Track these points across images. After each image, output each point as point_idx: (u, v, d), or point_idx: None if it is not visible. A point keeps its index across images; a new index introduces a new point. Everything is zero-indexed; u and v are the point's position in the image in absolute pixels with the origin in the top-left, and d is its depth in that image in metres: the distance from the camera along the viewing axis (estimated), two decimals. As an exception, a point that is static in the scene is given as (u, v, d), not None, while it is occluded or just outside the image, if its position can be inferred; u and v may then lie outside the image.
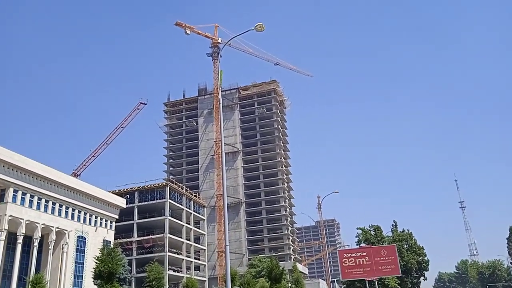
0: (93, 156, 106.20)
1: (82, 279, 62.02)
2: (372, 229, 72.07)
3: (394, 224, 78.14)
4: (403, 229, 77.32)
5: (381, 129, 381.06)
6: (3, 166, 51.30)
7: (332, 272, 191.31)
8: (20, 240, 52.88)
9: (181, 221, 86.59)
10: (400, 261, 59.01)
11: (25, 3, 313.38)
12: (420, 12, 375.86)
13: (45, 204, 57.70)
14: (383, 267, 46.13)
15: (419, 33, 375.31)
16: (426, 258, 75.12)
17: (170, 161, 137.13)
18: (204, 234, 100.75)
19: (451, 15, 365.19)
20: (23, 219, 53.19)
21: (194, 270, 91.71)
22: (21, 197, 53.85)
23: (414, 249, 73.26)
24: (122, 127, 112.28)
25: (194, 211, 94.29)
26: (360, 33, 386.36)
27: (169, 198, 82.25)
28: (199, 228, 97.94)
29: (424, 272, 75.31)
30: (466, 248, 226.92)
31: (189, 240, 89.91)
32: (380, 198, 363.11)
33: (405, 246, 72.91)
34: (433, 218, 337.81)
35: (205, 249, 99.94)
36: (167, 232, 79.60)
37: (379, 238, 69.82)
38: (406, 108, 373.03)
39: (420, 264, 73.31)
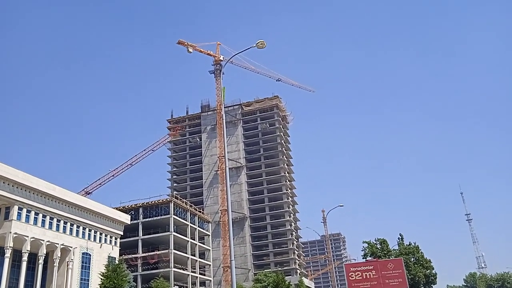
0: (112, 176, 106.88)
1: (87, 296, 61.63)
2: (378, 242, 71.42)
3: (400, 237, 77.33)
4: (410, 242, 76.49)
5: (385, 142, 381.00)
6: (8, 184, 51.50)
7: (339, 286, 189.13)
8: (25, 257, 52.74)
9: (186, 237, 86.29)
10: (408, 274, 58.36)
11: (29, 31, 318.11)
12: (423, 22, 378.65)
13: (49, 221, 57.67)
14: (390, 281, 45.61)
15: (423, 45, 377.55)
16: (433, 271, 74.14)
17: (174, 177, 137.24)
18: (209, 250, 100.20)
19: (458, 20, 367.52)
20: (28, 236, 53.14)
21: (200, 285, 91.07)
22: (26, 215, 53.86)
23: (422, 262, 72.36)
24: (152, 150, 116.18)
25: (198, 226, 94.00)
26: (361, 47, 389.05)
27: (174, 214, 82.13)
28: (204, 244, 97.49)
29: (432, 285, 74.27)
30: (474, 261, 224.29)
31: (194, 256, 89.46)
32: (386, 212, 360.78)
33: (412, 259, 72.06)
34: (440, 231, 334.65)
35: (210, 265, 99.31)
36: (172, 248, 79.30)
37: (385, 252, 69.15)
38: (410, 120, 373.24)
39: (428, 277, 72.33)
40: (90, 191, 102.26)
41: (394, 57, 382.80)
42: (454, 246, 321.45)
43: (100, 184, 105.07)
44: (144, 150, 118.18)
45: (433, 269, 74.39)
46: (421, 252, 74.52)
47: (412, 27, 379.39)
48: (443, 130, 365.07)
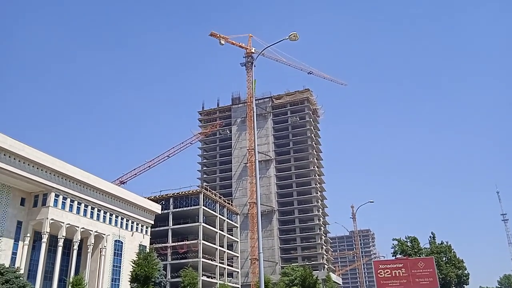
0: (148, 167, 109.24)
1: (119, 282, 63.53)
2: (408, 240, 70.23)
3: (432, 235, 75.72)
4: (442, 241, 74.88)
5: (419, 137, 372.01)
6: (46, 172, 53.46)
7: (367, 283, 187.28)
8: (60, 243, 54.76)
9: (215, 228, 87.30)
10: (439, 274, 57.13)
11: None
12: (464, 13, 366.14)
13: (84, 209, 59.61)
14: (420, 280, 44.69)
15: (463, 39, 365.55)
16: (466, 272, 72.40)
17: (204, 168, 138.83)
18: (237, 241, 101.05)
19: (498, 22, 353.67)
20: (63, 222, 55.10)
21: (227, 276, 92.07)
22: (62, 202, 55.81)
23: (454, 262, 70.73)
24: (191, 143, 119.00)
25: (227, 218, 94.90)
26: (396, 42, 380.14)
27: (203, 205, 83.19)
28: (232, 235, 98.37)
29: (464, 285, 72.60)
30: (509, 263, 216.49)
31: (222, 247, 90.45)
32: (417, 209, 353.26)
33: (444, 259, 70.54)
34: (474, 231, 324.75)
35: (238, 256, 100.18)
36: (201, 238, 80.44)
37: (416, 250, 67.93)
38: (444, 117, 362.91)
39: (460, 278, 70.68)
40: (124, 181, 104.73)
41: (431, 51, 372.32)
42: (489, 247, 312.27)
43: (135, 174, 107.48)
44: (182, 143, 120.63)
45: (465, 269, 72.64)
46: (454, 252, 72.82)
47: (451, 20, 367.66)
48: (480, 126, 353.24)
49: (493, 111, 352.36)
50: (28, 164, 51.07)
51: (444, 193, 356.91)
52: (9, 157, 48.73)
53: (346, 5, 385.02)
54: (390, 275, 45.44)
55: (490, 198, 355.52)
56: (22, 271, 45.10)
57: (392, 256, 68.29)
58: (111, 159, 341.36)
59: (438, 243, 73.78)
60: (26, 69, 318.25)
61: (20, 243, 51.76)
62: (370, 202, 66.44)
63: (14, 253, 50.64)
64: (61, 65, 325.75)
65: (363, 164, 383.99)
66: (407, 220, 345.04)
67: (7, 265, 42.00)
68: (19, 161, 49.87)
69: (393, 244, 70.35)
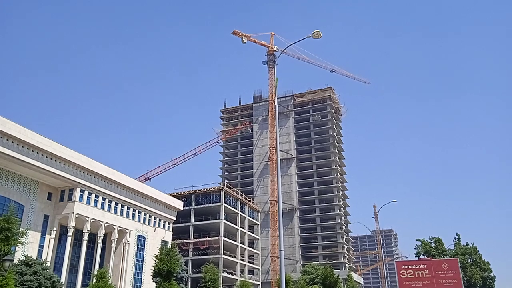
0: (174, 164, 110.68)
1: (141, 276, 64.67)
2: (432, 241, 68.95)
3: (457, 237, 74.11)
4: (467, 242, 73.19)
5: (442, 137, 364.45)
6: (72, 167, 54.77)
7: (389, 283, 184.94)
8: (85, 237, 56.09)
9: (236, 225, 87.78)
10: (463, 276, 55.98)
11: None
12: (487, 17, 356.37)
13: (108, 204, 60.84)
14: (444, 281, 43.89)
15: (490, 34, 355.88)
16: (492, 274, 70.58)
17: (225, 166, 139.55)
18: (258, 239, 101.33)
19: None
20: (88, 217, 56.38)
21: (248, 273, 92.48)
22: (87, 197, 57.11)
23: (479, 264, 69.04)
24: (217, 143, 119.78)
25: (248, 215, 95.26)
26: (421, 41, 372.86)
27: (225, 202, 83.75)
28: (253, 233, 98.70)
29: (489, 288, 70.75)
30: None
31: (243, 244, 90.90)
32: (442, 210, 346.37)
33: (469, 261, 68.93)
34: (501, 233, 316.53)
35: (258, 254, 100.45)
36: (222, 235, 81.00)
37: (440, 251, 66.65)
38: (470, 116, 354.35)
39: (485, 280, 68.97)
40: (149, 177, 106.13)
41: (457, 49, 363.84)
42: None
43: (160, 171, 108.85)
44: (209, 141, 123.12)
45: (491, 271, 70.84)
46: (479, 254, 71.07)
47: (480, 16, 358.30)
48: (507, 124, 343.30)
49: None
50: (55, 160, 52.39)
51: (471, 193, 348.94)
52: (37, 153, 50.11)
53: (370, 2, 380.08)
54: (412, 276, 44.79)
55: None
56: (48, 264, 46.38)
57: (415, 256, 67.21)
58: (134, 156, 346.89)
59: (463, 245, 72.16)
60: (53, 64, 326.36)
61: (47, 237, 53.24)
62: (393, 202, 65.60)
63: (41, 246, 52.15)
64: (87, 61, 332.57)
65: (386, 163, 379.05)
66: (431, 220, 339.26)
67: (34, 257, 43.29)
68: (46, 157, 51.22)
69: (416, 244, 69.22)
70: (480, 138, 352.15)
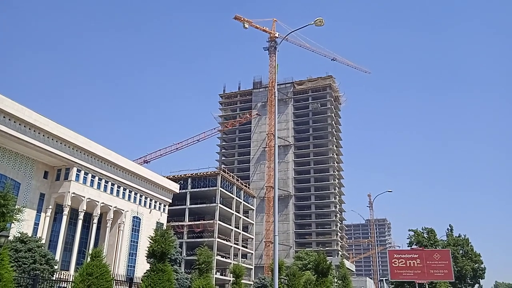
0: (176, 149, 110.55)
1: (135, 257, 65.20)
2: (425, 231, 69.41)
3: (449, 228, 74.57)
4: (459, 234, 73.82)
5: (438, 128, 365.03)
6: (69, 147, 54.66)
7: (380, 271, 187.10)
8: (81, 216, 56.30)
9: (231, 209, 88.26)
10: (454, 266, 56.55)
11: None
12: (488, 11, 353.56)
13: (104, 184, 60.92)
14: (435, 271, 44.41)
15: (493, 25, 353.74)
16: (482, 266, 71.24)
17: (222, 151, 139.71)
18: (253, 224, 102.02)
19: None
20: (84, 197, 56.52)
21: (241, 257, 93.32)
22: (84, 177, 57.13)
23: (470, 255, 69.69)
24: (220, 131, 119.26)
25: (243, 200, 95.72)
26: (423, 31, 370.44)
27: (221, 186, 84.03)
28: (247, 217, 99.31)
29: (480, 279, 71.59)
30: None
31: (238, 228, 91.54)
32: (436, 201, 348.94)
33: (460, 252, 69.56)
34: (492, 225, 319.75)
35: (253, 238, 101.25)
36: (217, 219, 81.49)
37: (432, 242, 67.14)
38: (467, 107, 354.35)
39: (476, 271, 69.71)
40: (148, 160, 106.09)
41: (457, 40, 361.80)
42: (507, 242, 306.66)
43: (160, 155, 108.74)
44: (214, 128, 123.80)
45: (482, 263, 71.51)
46: (471, 245, 71.72)
47: (479, 8, 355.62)
48: (502, 117, 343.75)
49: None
50: (52, 139, 52.26)
51: (464, 185, 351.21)
52: (34, 131, 49.93)
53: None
54: (404, 265, 45.28)
55: (509, 193, 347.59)
56: (43, 241, 46.62)
57: (408, 246, 67.72)
58: (133, 138, 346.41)
59: (456, 236, 72.80)
60: (56, 48, 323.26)
61: (42, 215, 53.43)
62: (389, 191, 65.90)
63: (36, 224, 52.36)
64: (90, 45, 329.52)
65: (383, 154, 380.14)
66: (424, 211, 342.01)
67: (29, 234, 43.44)
68: (43, 135, 51.07)
69: (409, 234, 69.54)
70: (477, 130, 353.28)
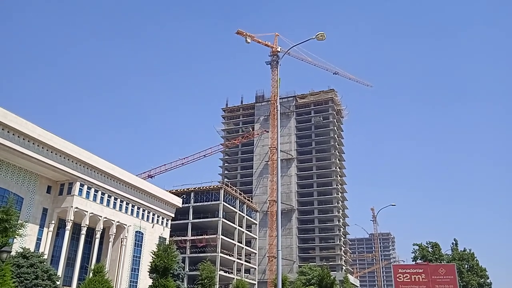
0: (182, 164, 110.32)
1: (138, 272, 64.69)
2: (429, 246, 69.03)
3: (454, 242, 74.14)
4: (464, 248, 73.23)
5: (442, 141, 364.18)
6: (72, 161, 54.76)
7: (385, 287, 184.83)
8: (83, 231, 56.08)
9: (234, 224, 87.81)
10: (460, 281, 56.00)
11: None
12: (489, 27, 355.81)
13: (107, 199, 60.82)
14: (440, 286, 43.79)
15: (494, 39, 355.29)
16: (488, 281, 70.58)
17: (225, 164, 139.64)
18: (256, 238, 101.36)
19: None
20: (87, 211, 56.39)
21: (244, 272, 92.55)
22: (87, 191, 57.09)
23: (476, 270, 69.06)
24: (225, 146, 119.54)
25: (246, 214, 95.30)
26: (424, 45, 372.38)
27: (223, 201, 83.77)
28: (250, 232, 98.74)
29: (486, 295, 70.75)
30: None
31: (241, 243, 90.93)
32: (440, 215, 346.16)
33: (466, 266, 68.96)
34: (498, 239, 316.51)
35: (256, 253, 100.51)
36: (220, 233, 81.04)
37: (437, 256, 66.74)
38: (471, 121, 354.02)
39: (482, 286, 68.97)
40: (152, 175, 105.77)
41: (459, 54, 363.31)
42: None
43: (166, 169, 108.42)
44: (220, 144, 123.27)
45: (487, 278, 70.84)
46: (476, 260, 71.08)
47: (482, 22, 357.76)
48: (507, 130, 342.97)
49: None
50: (56, 154, 52.39)
51: (470, 199, 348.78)
52: (38, 145, 50.10)
53: (374, 6, 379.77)
54: (409, 280, 44.72)
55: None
56: (46, 256, 46.42)
57: (412, 261, 67.23)
58: (136, 152, 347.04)
59: (461, 250, 72.20)
60: (53, 60, 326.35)
61: (45, 230, 53.25)
62: (392, 205, 65.56)
63: (38, 239, 52.15)
64: (89, 58, 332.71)
65: (386, 167, 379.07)
66: (429, 225, 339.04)
67: (32, 250, 43.35)
68: (47, 150, 51.22)
69: (413, 249, 69.26)
70: (481, 143, 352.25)
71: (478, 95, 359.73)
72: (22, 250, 38.37)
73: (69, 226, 54.05)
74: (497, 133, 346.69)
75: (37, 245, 51.32)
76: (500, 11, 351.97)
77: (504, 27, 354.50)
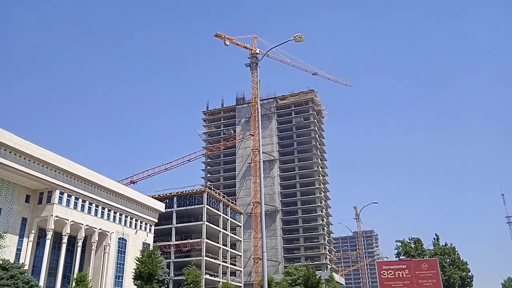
0: (165, 169, 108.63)
1: (122, 279, 63.86)
2: (412, 241, 70.12)
3: (436, 237, 75.50)
4: (446, 243, 74.64)
5: (423, 139, 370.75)
6: (51, 169, 53.81)
7: (370, 283, 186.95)
8: (65, 239, 55.12)
9: (218, 227, 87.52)
10: (442, 275, 57.03)
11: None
12: (467, 29, 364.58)
13: (88, 206, 59.93)
14: (423, 281, 44.66)
15: (466, 43, 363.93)
16: (470, 274, 72.04)
17: (208, 167, 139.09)
18: (240, 241, 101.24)
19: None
20: (68, 220, 55.44)
21: (230, 275, 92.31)
22: (67, 199, 56.17)
23: (457, 264, 70.43)
24: (212, 150, 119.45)
25: (230, 217, 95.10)
26: (401, 44, 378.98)
27: (207, 204, 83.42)
28: (235, 234, 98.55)
29: (468, 288, 72.24)
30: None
31: (226, 246, 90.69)
32: (422, 211, 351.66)
33: (448, 261, 70.28)
34: (478, 233, 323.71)
35: (241, 255, 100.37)
36: (204, 237, 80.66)
37: (419, 251, 67.82)
38: (449, 118, 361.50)
39: (464, 280, 70.36)
40: (135, 181, 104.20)
41: (435, 52, 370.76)
42: (493, 249, 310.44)
43: (148, 175, 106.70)
44: (203, 147, 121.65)
45: (469, 271, 72.32)
46: (457, 254, 72.51)
47: (456, 19, 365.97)
48: (484, 128, 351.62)
49: (497, 112, 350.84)
50: (34, 162, 51.42)
51: (449, 195, 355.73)
52: (15, 154, 49.10)
53: (351, 6, 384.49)
54: (393, 276, 45.42)
55: (495, 201, 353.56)
56: (26, 267, 45.41)
57: (396, 257, 68.20)
58: (116, 158, 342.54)
59: (442, 245, 73.56)
60: (31, 67, 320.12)
61: (25, 240, 52.15)
62: (374, 203, 66.39)
63: (18, 249, 51.05)
64: (67, 64, 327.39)
65: (367, 165, 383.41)
66: (411, 221, 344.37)
67: (12, 261, 42.34)
68: (24, 158, 50.23)
69: (396, 245, 70.26)
70: (461, 140, 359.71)
71: (458, 92, 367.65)
72: (1, 262, 37.43)
73: (49, 235, 53.08)
74: (478, 129, 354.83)
75: (17, 255, 50.24)
76: (470, 10, 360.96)
77: (477, 24, 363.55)
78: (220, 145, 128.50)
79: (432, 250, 71.84)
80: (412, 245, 68.80)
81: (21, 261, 48.30)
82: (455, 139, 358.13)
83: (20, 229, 52.00)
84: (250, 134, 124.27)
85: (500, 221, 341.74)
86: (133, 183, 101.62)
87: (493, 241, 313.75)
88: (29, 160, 50.79)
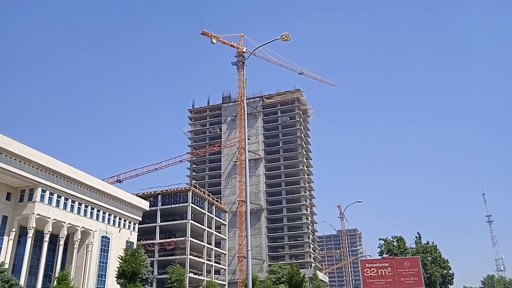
0: (155, 169, 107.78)
1: (105, 278, 63.18)
2: (395, 240, 70.90)
3: (418, 236, 76.52)
4: (428, 241, 75.75)
5: (406, 139, 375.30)
6: (32, 166, 52.91)
7: (353, 282, 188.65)
8: (46, 238, 54.30)
9: (203, 225, 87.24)
10: (424, 273, 57.78)
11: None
12: (453, 28, 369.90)
13: (71, 204, 59.13)
14: (406, 279, 45.23)
15: (452, 43, 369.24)
16: (451, 272, 73.30)
17: (193, 166, 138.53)
18: (225, 239, 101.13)
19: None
20: (50, 218, 54.62)
21: (214, 273, 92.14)
22: (49, 197, 55.31)
23: (439, 262, 71.58)
24: (205, 151, 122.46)
25: (215, 216, 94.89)
26: (386, 44, 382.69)
27: (192, 203, 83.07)
28: (220, 233, 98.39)
29: (449, 285, 73.49)
30: (493, 263, 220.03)
31: (210, 244, 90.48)
32: (404, 210, 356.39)
33: (429, 259, 71.37)
34: (459, 232, 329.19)
35: (225, 254, 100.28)
36: (189, 236, 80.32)
37: (402, 250, 68.59)
38: (431, 119, 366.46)
39: (445, 278, 71.56)
40: (121, 180, 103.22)
41: (419, 52, 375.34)
42: (473, 248, 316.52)
43: (136, 174, 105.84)
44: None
45: (450, 269, 73.55)
46: (439, 252, 73.69)
47: (442, 19, 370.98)
48: (466, 129, 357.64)
49: (480, 111, 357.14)
50: (15, 159, 50.51)
51: (431, 194, 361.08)
52: (-4, 151, 48.12)
53: (338, 6, 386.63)
54: (376, 274, 45.86)
55: (475, 200, 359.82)
56: (7, 266, 44.65)
57: (379, 255, 68.80)
58: (101, 157, 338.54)
59: (424, 243, 74.62)
60: (22, 69, 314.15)
61: (5, 238, 51.21)
62: (358, 201, 66.86)
63: (-1, 248, 50.11)
64: (53, 65, 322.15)
65: (352, 164, 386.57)
66: (394, 220, 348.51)
67: (-9, 260, 41.52)
68: (5, 155, 49.32)
69: (379, 243, 70.95)
70: (442, 140, 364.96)
71: (442, 90, 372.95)
72: (-20, 261, 36.70)
73: (31, 233, 52.24)
74: (461, 129, 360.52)
75: (-3, 254, 49.27)
76: (459, 11, 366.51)
77: (464, 24, 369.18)
78: (205, 150, 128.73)
79: (415, 248, 72.80)
80: (395, 244, 69.57)
81: (1, 259, 47.39)
82: (438, 139, 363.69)
83: (1, 227, 51.10)
84: (237, 141, 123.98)
85: (480, 220, 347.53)
86: (119, 182, 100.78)
87: (474, 239, 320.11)
88: (10, 157, 49.87)
